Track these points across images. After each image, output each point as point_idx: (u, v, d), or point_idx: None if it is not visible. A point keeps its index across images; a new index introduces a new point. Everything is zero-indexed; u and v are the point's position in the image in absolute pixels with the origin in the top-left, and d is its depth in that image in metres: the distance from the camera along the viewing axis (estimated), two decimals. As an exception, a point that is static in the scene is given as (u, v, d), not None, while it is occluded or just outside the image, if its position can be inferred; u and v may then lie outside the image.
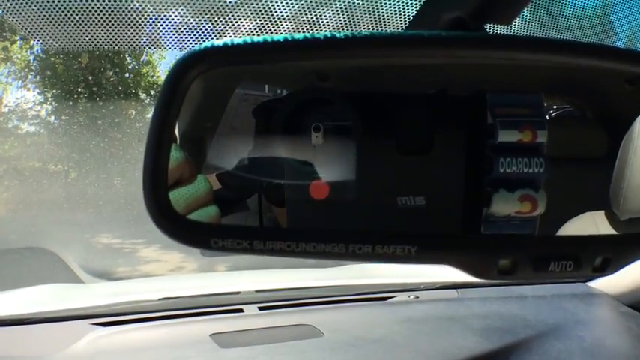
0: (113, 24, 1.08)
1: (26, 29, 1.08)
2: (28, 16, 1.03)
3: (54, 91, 7.36)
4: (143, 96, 7.81)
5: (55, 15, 1.02)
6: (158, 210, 0.58)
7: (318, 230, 0.63)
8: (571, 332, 1.58)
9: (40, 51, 7.42)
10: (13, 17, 1.05)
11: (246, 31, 1.12)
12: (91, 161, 6.76)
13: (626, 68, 0.66)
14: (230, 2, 1.09)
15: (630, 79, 0.84)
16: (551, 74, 0.81)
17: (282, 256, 0.60)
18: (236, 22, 1.13)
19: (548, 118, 0.83)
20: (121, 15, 1.06)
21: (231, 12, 1.11)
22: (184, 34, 1.16)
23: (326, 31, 0.65)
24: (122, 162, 6.92)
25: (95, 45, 1.13)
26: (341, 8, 1.12)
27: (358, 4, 1.12)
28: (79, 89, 7.12)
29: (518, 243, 0.68)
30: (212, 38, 0.59)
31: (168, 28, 1.15)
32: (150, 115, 0.60)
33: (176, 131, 0.65)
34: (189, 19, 1.15)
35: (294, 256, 0.60)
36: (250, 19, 1.13)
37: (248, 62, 0.61)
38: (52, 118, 7.44)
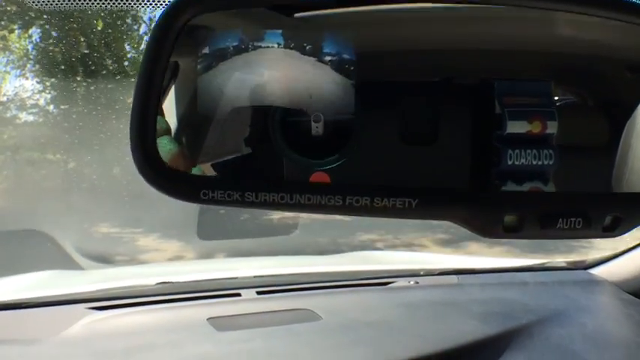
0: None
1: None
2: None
3: (52, 79, 7.33)
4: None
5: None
6: (145, 161, 0.56)
7: (313, 183, 0.61)
8: (573, 319, 1.57)
9: (38, 40, 7.40)
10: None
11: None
12: (90, 150, 6.73)
13: None
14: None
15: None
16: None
17: (274, 210, 0.57)
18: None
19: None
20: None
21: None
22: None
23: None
24: (121, 151, 6.90)
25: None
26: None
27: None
28: (78, 78, 7.09)
29: (525, 199, 0.66)
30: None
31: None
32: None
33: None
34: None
35: (287, 209, 0.57)
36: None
37: (243, 5, 0.59)
38: (51, 107, 7.40)
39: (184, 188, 0.58)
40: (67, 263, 2.94)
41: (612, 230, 0.63)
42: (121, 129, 7.04)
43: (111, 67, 7.22)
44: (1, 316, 1.39)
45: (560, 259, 2.09)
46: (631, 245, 1.82)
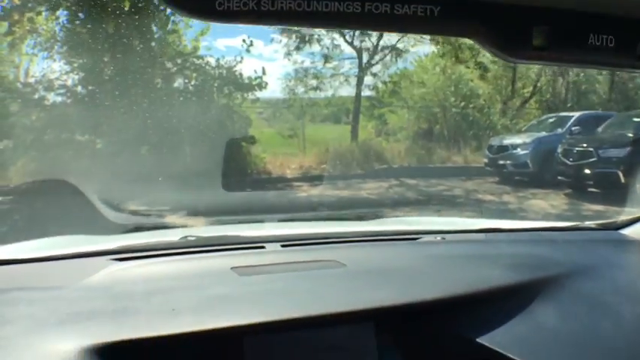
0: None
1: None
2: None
3: (80, 61, 7.37)
4: (169, 65, 7.79)
5: None
6: None
7: None
8: (604, 273, 1.54)
9: (65, 22, 7.44)
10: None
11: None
12: (117, 130, 6.79)
13: None
14: None
15: None
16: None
17: (291, 23, 0.57)
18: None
19: None
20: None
21: None
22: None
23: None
24: (148, 130, 6.95)
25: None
26: None
27: None
28: (105, 59, 7.14)
29: (556, 13, 0.62)
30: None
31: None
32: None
33: None
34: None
35: (304, 21, 0.57)
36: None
37: None
38: (79, 87, 7.45)
39: (200, 1, 0.58)
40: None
41: None
42: (148, 110, 7.10)
43: (138, 48, 7.23)
44: (30, 268, 1.41)
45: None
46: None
